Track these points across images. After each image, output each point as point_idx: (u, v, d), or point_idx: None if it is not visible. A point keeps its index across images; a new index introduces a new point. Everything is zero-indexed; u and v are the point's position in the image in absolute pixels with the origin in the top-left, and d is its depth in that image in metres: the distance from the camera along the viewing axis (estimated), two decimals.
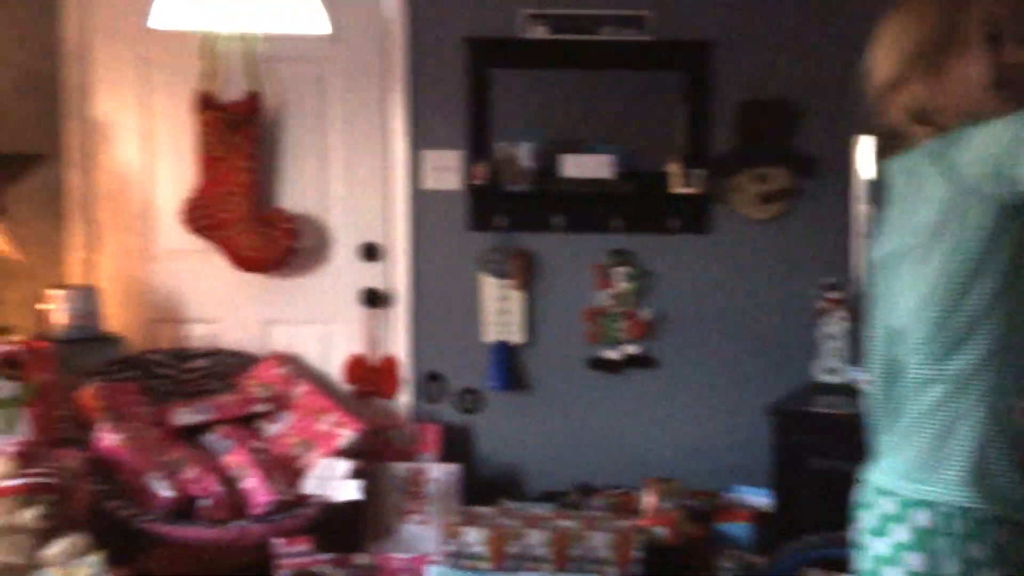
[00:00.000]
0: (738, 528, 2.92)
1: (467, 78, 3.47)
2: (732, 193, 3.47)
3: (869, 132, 3.23)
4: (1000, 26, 1.26)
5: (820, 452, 2.78)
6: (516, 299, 3.49)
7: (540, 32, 3.47)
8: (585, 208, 3.47)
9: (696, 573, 2.80)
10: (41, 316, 3.16)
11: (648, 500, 2.88)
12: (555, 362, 3.51)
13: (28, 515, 2.26)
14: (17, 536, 2.23)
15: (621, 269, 3.49)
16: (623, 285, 3.50)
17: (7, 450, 2.39)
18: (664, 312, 3.50)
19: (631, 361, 3.48)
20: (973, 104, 1.26)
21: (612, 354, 3.48)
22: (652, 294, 3.51)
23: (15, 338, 2.86)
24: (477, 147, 3.47)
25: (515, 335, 3.49)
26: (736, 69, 3.46)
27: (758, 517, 2.95)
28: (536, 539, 2.64)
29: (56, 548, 2.23)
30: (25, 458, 2.38)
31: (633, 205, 3.46)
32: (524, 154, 3.42)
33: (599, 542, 2.64)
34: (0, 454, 2.38)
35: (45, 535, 2.26)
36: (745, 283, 3.49)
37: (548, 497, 3.27)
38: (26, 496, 2.30)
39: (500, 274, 3.48)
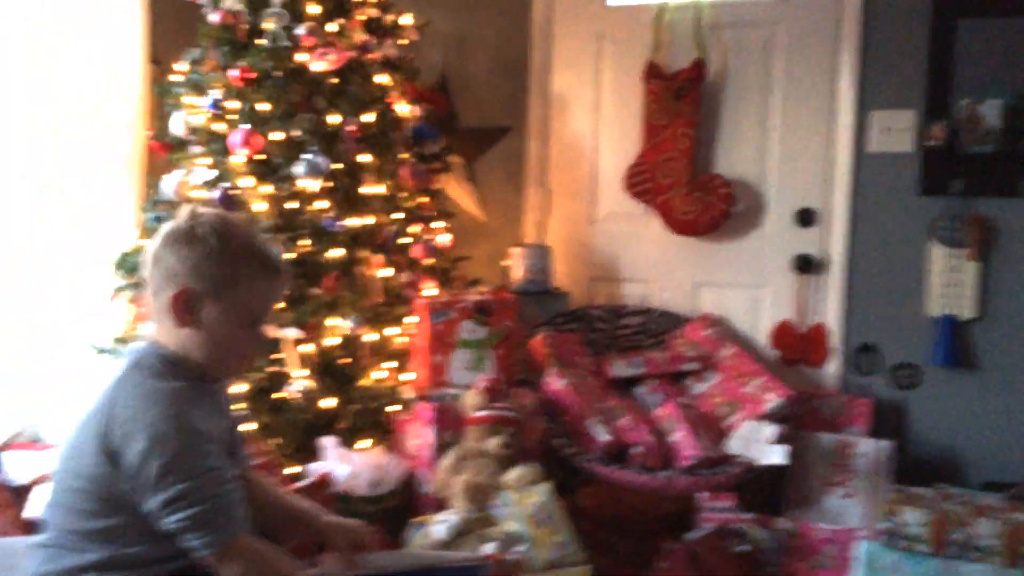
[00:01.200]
0: None
1: (929, 31, 3.21)
2: None
3: None
4: None
5: None
6: (969, 270, 3.19)
7: None
8: None
9: None
10: (503, 271, 3.61)
11: None
12: (1010, 342, 3.16)
13: (493, 443, 2.63)
14: (484, 459, 2.60)
15: None
16: None
17: (479, 385, 2.78)
18: None
19: None
20: None
21: None
22: None
23: (484, 288, 3.30)
24: (934, 106, 3.21)
25: (965, 309, 3.20)
26: None
27: None
28: (985, 529, 2.44)
29: (513, 474, 2.55)
30: (491, 393, 2.75)
31: None
32: (990, 112, 3.11)
33: None
34: (473, 388, 2.78)
35: (505, 462, 2.60)
36: None
37: (993, 487, 2.98)
38: (492, 426, 2.67)
39: (952, 243, 3.21)
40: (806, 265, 3.45)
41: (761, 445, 2.91)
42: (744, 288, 3.56)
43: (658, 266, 3.67)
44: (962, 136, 3.15)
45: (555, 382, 3.03)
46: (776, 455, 2.85)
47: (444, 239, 3.33)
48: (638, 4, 3.62)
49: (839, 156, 3.39)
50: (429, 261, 3.21)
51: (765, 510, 2.80)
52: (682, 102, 3.53)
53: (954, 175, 3.19)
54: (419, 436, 2.76)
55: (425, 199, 3.32)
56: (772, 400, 3.06)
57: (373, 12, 3.17)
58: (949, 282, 3.23)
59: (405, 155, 3.21)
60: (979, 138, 3.13)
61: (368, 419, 2.81)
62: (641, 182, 3.61)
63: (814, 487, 3.01)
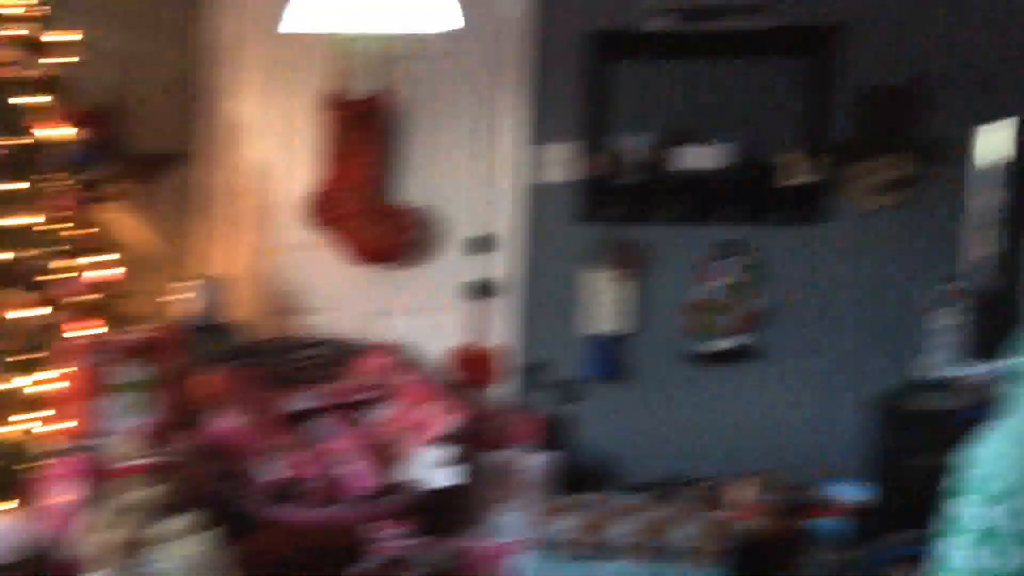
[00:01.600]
0: (832, 523, 2.85)
1: (587, 72, 3.47)
2: (849, 182, 3.33)
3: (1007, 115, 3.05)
4: None
5: (920, 448, 2.67)
6: (623, 290, 3.48)
7: (663, 23, 3.40)
8: (698, 199, 3.43)
9: (788, 566, 2.75)
10: (171, 305, 3.43)
11: (743, 492, 2.83)
12: (659, 353, 3.49)
13: (148, 493, 2.47)
14: (136, 513, 2.44)
15: (731, 260, 3.43)
16: (733, 276, 3.43)
17: (135, 431, 2.62)
18: (772, 304, 3.41)
19: (735, 353, 3.42)
20: None
21: (716, 346, 3.43)
22: (762, 285, 3.42)
23: (148, 325, 3.12)
24: (593, 140, 3.47)
25: (620, 326, 3.49)
26: (860, 55, 3.30)
27: (853, 512, 2.86)
28: (628, 528, 2.65)
29: (172, 526, 2.42)
30: (151, 439, 2.60)
31: (746, 195, 3.38)
32: (639, 146, 3.42)
33: (691, 533, 2.63)
34: (128, 435, 2.61)
35: (163, 512, 2.46)
36: (856, 275, 3.35)
37: (644, 487, 3.27)
38: (149, 475, 2.51)
39: (608, 266, 3.49)
40: (482, 290, 3.60)
41: (437, 468, 2.98)
42: (423, 314, 3.65)
43: (338, 296, 3.67)
44: (616, 168, 3.43)
45: (224, 421, 2.92)
46: (450, 476, 2.93)
47: (110, 272, 3.11)
48: (316, 33, 3.59)
49: (511, 185, 3.57)
50: (90, 297, 2.99)
51: (443, 533, 2.87)
52: (364, 131, 3.56)
53: (609, 203, 3.47)
54: (64, 492, 2.54)
55: (88, 230, 3.09)
56: (447, 423, 3.15)
57: (24, 28, 2.91)
58: (607, 301, 3.50)
59: (66, 182, 2.97)
60: (629, 169, 3.43)
61: (5, 478, 2.55)
62: (326, 210, 3.60)
63: (489, 504, 3.13)
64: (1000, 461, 1.21)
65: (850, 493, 2.99)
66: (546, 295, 3.56)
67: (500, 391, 3.58)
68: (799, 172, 3.29)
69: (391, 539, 2.70)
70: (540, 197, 3.55)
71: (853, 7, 3.30)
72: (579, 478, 3.34)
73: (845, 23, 3.28)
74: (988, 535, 1.20)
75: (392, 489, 2.91)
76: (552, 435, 3.43)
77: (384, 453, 3.07)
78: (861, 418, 3.06)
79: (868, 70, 3.28)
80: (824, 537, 2.81)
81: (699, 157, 3.36)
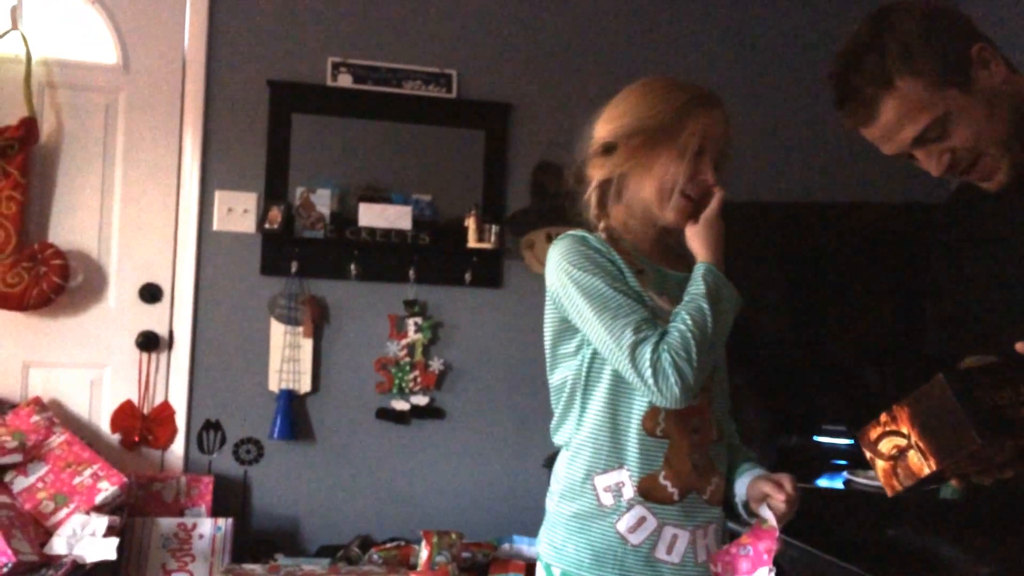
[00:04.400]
0: None
1: (268, 120, 3.40)
2: (525, 249, 3.56)
3: None
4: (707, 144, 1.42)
5: None
6: (305, 347, 3.40)
7: (345, 81, 3.46)
8: (382, 257, 3.46)
9: None
10: None
11: (423, 553, 2.85)
12: (342, 412, 3.44)
13: None
14: None
15: (414, 319, 3.49)
16: (415, 335, 3.49)
17: None
18: (454, 363, 3.52)
19: (419, 411, 3.47)
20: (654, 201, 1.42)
21: (400, 404, 3.46)
22: (443, 345, 3.52)
23: None
24: (273, 190, 3.40)
25: (302, 384, 3.40)
26: (532, 131, 3.58)
27: (533, 569, 2.97)
28: None
29: None
30: None
31: (429, 256, 3.48)
32: (322, 200, 3.38)
33: None
34: None
35: None
36: (533, 336, 3.54)
37: (326, 552, 3.18)
38: None
39: (290, 321, 3.40)
40: (151, 342, 3.32)
41: (89, 540, 2.67)
42: (82, 368, 3.29)
43: None
44: (298, 220, 3.37)
45: None
46: (104, 549, 2.63)
47: None
48: None
49: (185, 232, 3.37)
50: None
51: None
52: (9, 162, 3.17)
53: (291, 256, 3.40)
54: None
55: None
56: (105, 489, 2.84)
57: None
58: (288, 357, 3.40)
59: None
60: (312, 223, 3.39)
61: None
62: None
63: (154, 575, 2.86)
64: None
65: (532, 548, 3.10)
66: (225, 349, 3.37)
67: (169, 452, 3.31)
68: (478, 237, 3.46)
69: None
70: (220, 246, 3.39)
71: (525, 88, 3.59)
72: (256, 545, 3.17)
73: (517, 102, 3.56)
74: None
75: (39, 565, 2.55)
76: (228, 499, 3.22)
77: (30, 524, 2.69)
78: (542, 473, 3.21)
79: (539, 145, 3.57)
80: None
81: (384, 215, 3.42)
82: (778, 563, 1.40)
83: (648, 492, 1.39)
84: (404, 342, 3.48)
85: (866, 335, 3.03)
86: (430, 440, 3.49)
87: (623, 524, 1.38)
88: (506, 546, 3.19)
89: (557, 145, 3.50)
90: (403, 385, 3.46)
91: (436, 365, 3.49)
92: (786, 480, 1.39)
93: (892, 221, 3.08)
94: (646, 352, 1.33)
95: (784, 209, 3.31)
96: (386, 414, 3.45)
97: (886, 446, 1.24)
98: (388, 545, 3.09)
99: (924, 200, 2.81)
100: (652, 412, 1.39)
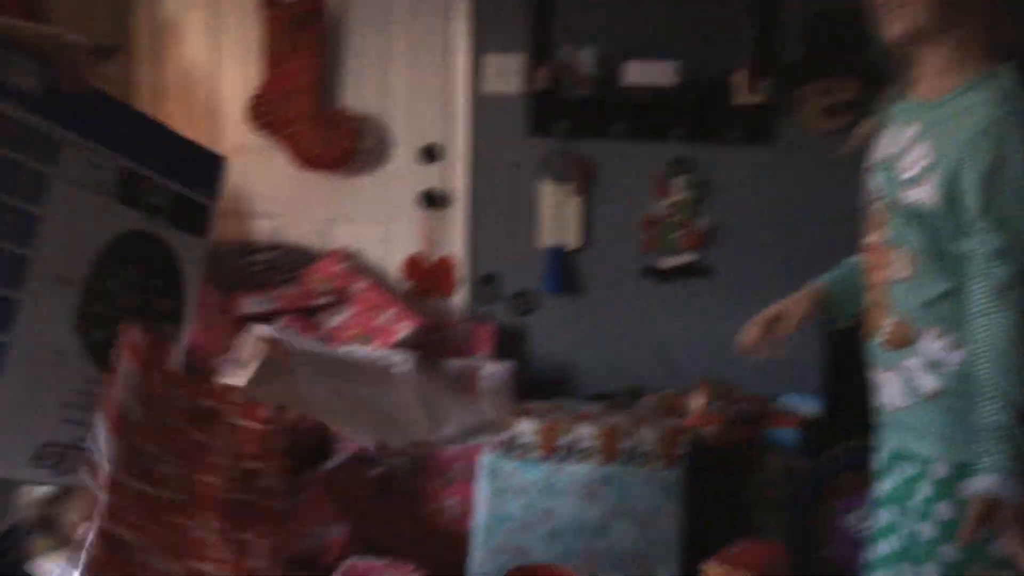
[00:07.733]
0: (785, 433, 2.97)
1: None
2: (797, 105, 3.41)
3: None
4: None
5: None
6: (574, 204, 3.51)
7: None
8: (646, 116, 3.44)
9: (741, 473, 2.87)
10: None
11: (697, 401, 2.93)
12: (609, 268, 3.54)
13: None
14: None
15: (680, 178, 3.48)
16: (681, 194, 3.49)
17: None
18: (721, 222, 3.50)
19: (685, 269, 3.49)
20: None
21: (666, 262, 3.50)
22: (710, 204, 3.50)
23: None
24: (539, 51, 3.45)
25: (571, 240, 3.52)
26: None
27: (805, 423, 2.99)
28: (585, 432, 2.71)
29: None
30: None
31: (695, 114, 3.42)
32: (587, 59, 3.40)
33: (646, 437, 2.71)
34: None
35: None
36: (804, 195, 3.46)
37: (599, 397, 3.35)
38: None
39: (559, 179, 3.50)
40: (432, 200, 3.56)
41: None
42: (374, 223, 3.59)
43: (289, 201, 3.58)
44: (563, 81, 3.41)
45: None
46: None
47: None
48: None
49: (458, 95, 3.52)
50: None
51: None
52: (304, 32, 3.43)
53: (557, 117, 3.46)
54: None
55: None
56: (403, 329, 3.14)
57: None
58: (557, 215, 3.53)
59: None
60: (578, 83, 3.42)
61: None
62: (264, 114, 3.48)
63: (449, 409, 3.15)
64: None
65: (801, 405, 3.09)
66: (499, 207, 3.55)
67: (452, 301, 3.58)
68: (747, 93, 3.35)
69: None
70: (491, 108, 3.52)
71: None
72: (533, 388, 3.39)
73: None
74: None
75: None
76: (505, 345, 3.46)
77: None
78: (812, 332, 3.15)
79: None
80: (778, 446, 2.93)
81: (648, 73, 3.38)
82: None
83: None
84: (670, 200, 3.49)
85: None
86: (696, 298, 3.52)
87: None
88: (778, 401, 3.20)
89: None
90: (669, 243, 3.50)
91: (702, 224, 3.49)
92: None
93: None
94: None
95: None
96: (652, 271, 3.51)
97: None
98: (660, 394, 3.20)
99: None
100: None
